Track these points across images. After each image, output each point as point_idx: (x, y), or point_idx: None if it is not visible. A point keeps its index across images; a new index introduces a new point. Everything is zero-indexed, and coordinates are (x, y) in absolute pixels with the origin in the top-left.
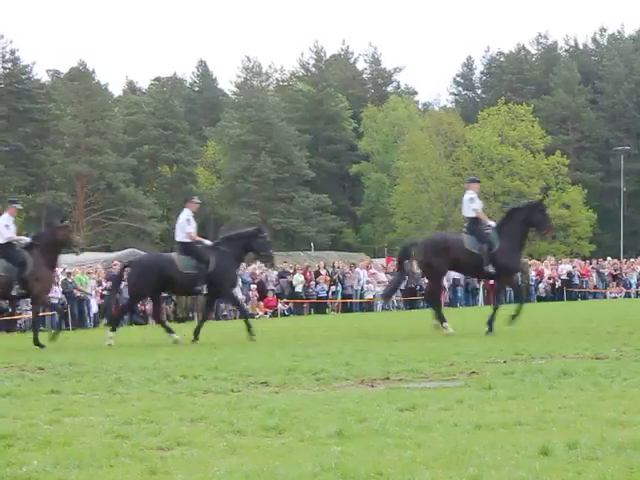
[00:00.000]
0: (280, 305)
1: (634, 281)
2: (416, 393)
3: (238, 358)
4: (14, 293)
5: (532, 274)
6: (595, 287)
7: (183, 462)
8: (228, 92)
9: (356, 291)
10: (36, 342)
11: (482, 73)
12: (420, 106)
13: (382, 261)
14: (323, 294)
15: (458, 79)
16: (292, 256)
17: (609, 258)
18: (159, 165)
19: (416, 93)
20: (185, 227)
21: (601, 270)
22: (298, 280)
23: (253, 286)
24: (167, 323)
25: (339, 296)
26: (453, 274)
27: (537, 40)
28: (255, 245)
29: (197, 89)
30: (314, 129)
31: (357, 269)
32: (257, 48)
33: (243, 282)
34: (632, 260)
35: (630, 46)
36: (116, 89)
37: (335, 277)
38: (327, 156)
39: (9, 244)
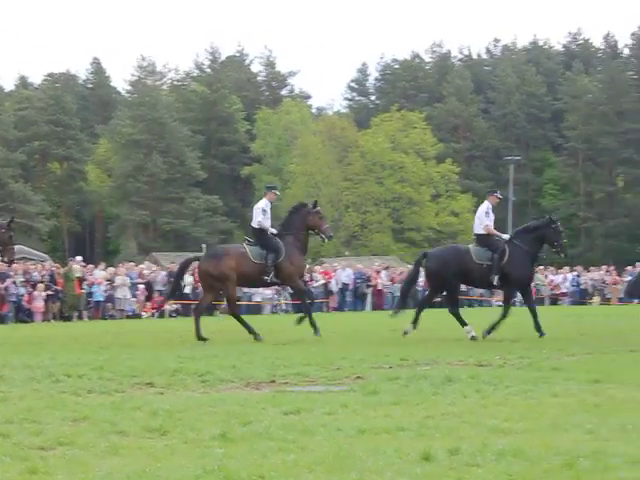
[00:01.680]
0: (167, 306)
1: None
2: (301, 397)
3: (124, 358)
4: (268, 280)
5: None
6: (481, 295)
7: (64, 462)
8: (121, 90)
9: (244, 294)
10: (312, 325)
11: (376, 79)
12: (314, 110)
13: None
14: None
15: (352, 85)
16: (182, 257)
17: None
18: (49, 161)
19: (310, 97)
20: (483, 220)
21: None
22: (187, 281)
23: (141, 286)
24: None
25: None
26: (344, 279)
27: (431, 48)
28: (548, 236)
29: (90, 86)
30: (207, 130)
31: None
32: (152, 47)
33: (131, 282)
34: None
35: (522, 57)
36: (8, 84)
37: None
38: (219, 157)
39: (262, 231)
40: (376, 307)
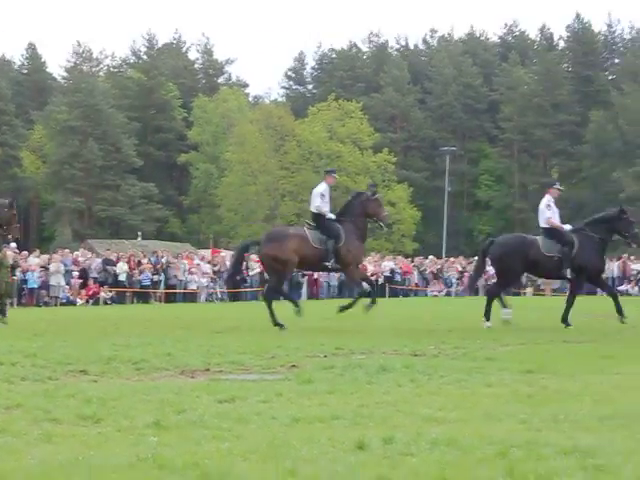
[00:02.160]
0: (103, 293)
1: (454, 280)
2: (236, 385)
3: (58, 346)
4: (329, 266)
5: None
6: (417, 285)
7: None
8: (57, 76)
9: (180, 281)
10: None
11: (313, 68)
12: (251, 99)
13: (207, 252)
14: (147, 283)
15: (290, 73)
16: (117, 244)
17: (431, 256)
18: None
19: (247, 86)
20: (545, 213)
21: (423, 268)
22: (122, 269)
23: (75, 273)
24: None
25: (162, 286)
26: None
27: (369, 38)
28: (619, 226)
29: (25, 72)
30: (143, 117)
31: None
32: (88, 33)
33: (66, 269)
34: (452, 259)
35: (459, 48)
36: None
37: (159, 267)
38: (155, 145)
39: (321, 215)
40: (312, 296)
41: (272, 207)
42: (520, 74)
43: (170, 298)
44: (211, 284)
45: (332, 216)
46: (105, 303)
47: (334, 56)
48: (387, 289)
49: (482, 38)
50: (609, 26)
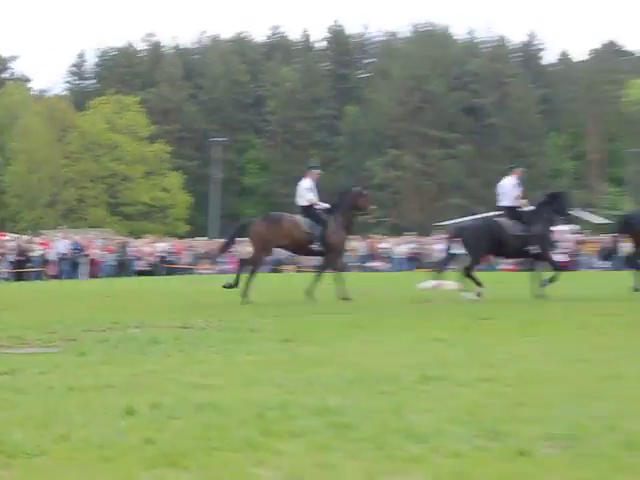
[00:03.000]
0: None
1: (223, 259)
2: (16, 358)
3: None
4: (314, 249)
5: (132, 251)
6: (189, 263)
7: None
8: None
9: None
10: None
11: (95, 65)
12: (36, 92)
13: None
14: None
15: (72, 69)
16: None
17: (202, 238)
18: None
19: (30, 80)
20: (514, 192)
21: (194, 249)
22: None
23: None
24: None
25: None
26: (62, 249)
27: (146, 38)
28: (558, 208)
29: None
30: None
31: None
32: None
33: None
34: (221, 240)
35: (228, 47)
36: None
37: None
38: None
39: (309, 207)
40: (91, 275)
41: (54, 193)
42: (283, 72)
43: None
44: None
45: (327, 206)
46: None
47: (114, 53)
48: (162, 268)
49: (249, 39)
50: (362, 30)
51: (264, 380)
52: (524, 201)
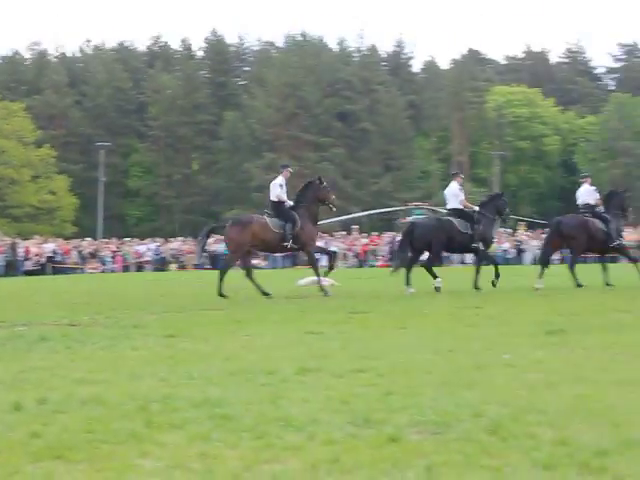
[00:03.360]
0: None
1: (109, 259)
2: None
3: None
4: (287, 246)
5: (20, 251)
6: (76, 263)
7: None
8: None
9: None
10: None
11: None
12: None
13: None
14: None
15: None
16: None
17: (89, 238)
18: None
19: None
20: (459, 195)
21: (81, 249)
22: None
23: None
24: None
25: None
26: None
27: (31, 46)
28: (499, 207)
29: None
30: None
31: None
32: None
33: None
34: (107, 240)
35: (111, 56)
36: None
37: None
38: None
39: (280, 203)
40: None
41: None
42: (164, 79)
43: None
44: None
45: (290, 203)
46: None
47: (0, 62)
48: (50, 268)
49: (131, 48)
50: (239, 39)
51: (148, 374)
52: (467, 203)
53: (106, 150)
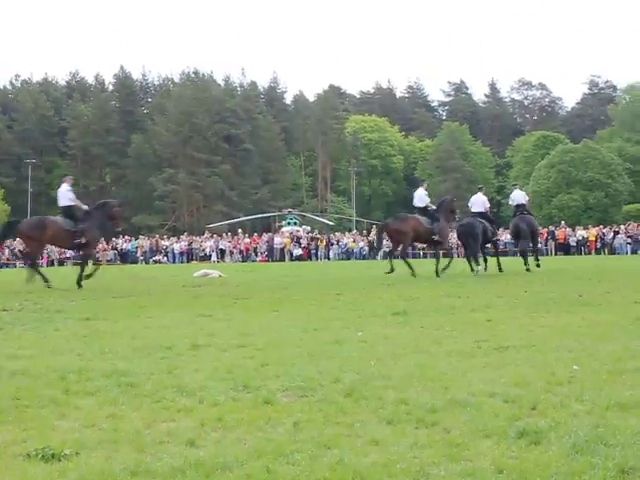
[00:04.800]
0: None
1: None
2: None
3: None
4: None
5: None
6: (8, 259)
7: None
8: None
9: None
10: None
11: None
12: None
13: None
14: None
15: None
16: None
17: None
18: None
19: None
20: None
21: (12, 247)
22: None
23: None
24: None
25: None
26: None
27: None
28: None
29: None
30: None
31: None
32: None
33: None
34: None
35: (37, 88)
36: None
37: None
38: None
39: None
40: None
41: None
42: (81, 108)
43: None
44: None
45: (86, 207)
46: None
47: None
48: None
49: (54, 81)
50: (143, 75)
51: (67, 350)
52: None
53: (33, 166)
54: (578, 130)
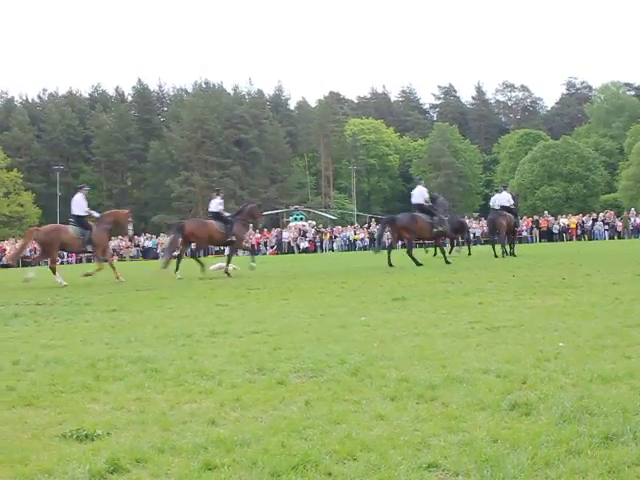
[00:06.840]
0: None
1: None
2: None
3: None
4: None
5: None
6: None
7: None
8: None
9: None
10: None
11: None
12: None
13: None
14: None
15: None
16: None
17: None
18: None
19: None
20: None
21: None
22: None
23: None
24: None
25: None
26: None
27: (1, 94)
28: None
29: None
30: None
31: None
32: None
33: None
34: None
35: (62, 101)
36: None
37: None
38: None
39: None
40: None
41: None
42: (104, 118)
43: None
44: None
45: (97, 214)
46: None
47: None
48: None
49: (77, 94)
50: (159, 86)
51: (96, 340)
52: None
53: (61, 172)
54: (558, 127)
